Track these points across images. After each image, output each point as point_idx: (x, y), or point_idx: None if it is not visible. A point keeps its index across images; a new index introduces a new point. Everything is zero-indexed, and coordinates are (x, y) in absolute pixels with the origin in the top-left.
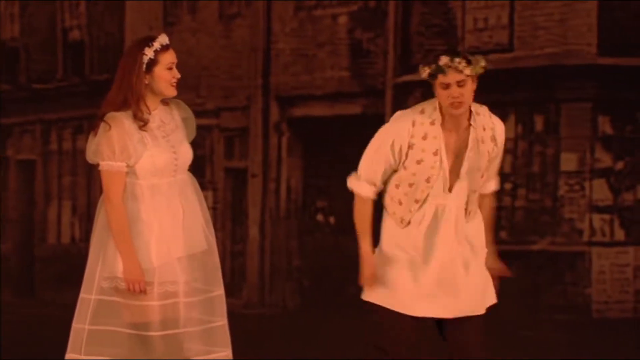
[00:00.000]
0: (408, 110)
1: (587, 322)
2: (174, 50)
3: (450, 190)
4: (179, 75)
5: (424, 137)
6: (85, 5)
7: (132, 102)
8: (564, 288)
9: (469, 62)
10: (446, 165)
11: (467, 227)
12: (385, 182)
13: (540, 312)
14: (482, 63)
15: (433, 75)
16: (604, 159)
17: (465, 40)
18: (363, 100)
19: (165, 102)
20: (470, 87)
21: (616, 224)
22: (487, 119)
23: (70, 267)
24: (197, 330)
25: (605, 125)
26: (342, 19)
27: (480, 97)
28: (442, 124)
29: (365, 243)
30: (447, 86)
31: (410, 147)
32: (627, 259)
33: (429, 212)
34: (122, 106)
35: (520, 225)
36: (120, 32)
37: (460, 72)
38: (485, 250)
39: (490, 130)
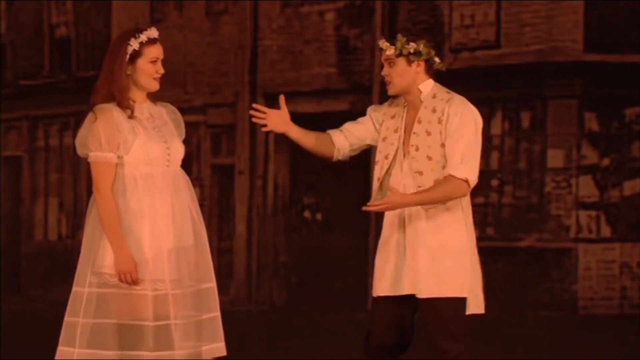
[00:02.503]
0: None
1: (573, 318)
2: (161, 46)
3: (402, 168)
4: (162, 71)
5: (393, 117)
6: (72, 2)
7: (115, 91)
8: (550, 284)
9: (391, 43)
10: (400, 142)
11: (422, 212)
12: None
13: (526, 308)
14: (412, 48)
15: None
16: (591, 156)
17: (452, 37)
18: (350, 96)
19: (152, 101)
20: (401, 67)
21: (602, 220)
22: (442, 103)
23: (57, 264)
24: (189, 323)
25: (591, 122)
26: (329, 16)
27: (467, 93)
28: (405, 105)
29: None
30: (383, 65)
31: (381, 123)
32: (614, 255)
33: (385, 192)
34: (107, 96)
35: (506, 221)
36: (106, 29)
37: (384, 51)
38: (457, 244)
39: (440, 112)
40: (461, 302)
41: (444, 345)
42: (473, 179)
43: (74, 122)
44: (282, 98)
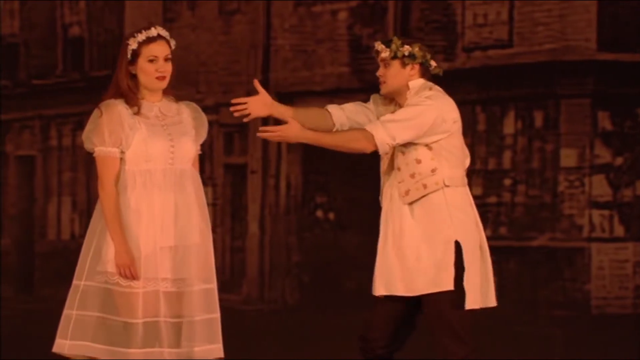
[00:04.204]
0: None
1: (586, 318)
2: (166, 45)
3: (394, 166)
4: (163, 69)
5: (392, 113)
6: (85, 2)
7: (122, 90)
8: (563, 284)
9: (387, 45)
10: None
11: (405, 208)
12: None
13: (539, 307)
14: (406, 50)
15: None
16: (604, 155)
17: (465, 36)
18: (362, 96)
19: (174, 100)
20: (395, 69)
21: (615, 219)
22: (414, 98)
23: (70, 263)
24: (188, 322)
25: (604, 121)
26: (342, 15)
27: (480, 92)
28: (396, 102)
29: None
30: (379, 66)
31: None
32: (627, 254)
33: (384, 188)
34: (115, 95)
35: (519, 221)
36: (119, 28)
37: (379, 53)
38: (441, 238)
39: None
40: (454, 295)
41: (449, 346)
42: (380, 138)
43: (87, 121)
44: (256, 82)
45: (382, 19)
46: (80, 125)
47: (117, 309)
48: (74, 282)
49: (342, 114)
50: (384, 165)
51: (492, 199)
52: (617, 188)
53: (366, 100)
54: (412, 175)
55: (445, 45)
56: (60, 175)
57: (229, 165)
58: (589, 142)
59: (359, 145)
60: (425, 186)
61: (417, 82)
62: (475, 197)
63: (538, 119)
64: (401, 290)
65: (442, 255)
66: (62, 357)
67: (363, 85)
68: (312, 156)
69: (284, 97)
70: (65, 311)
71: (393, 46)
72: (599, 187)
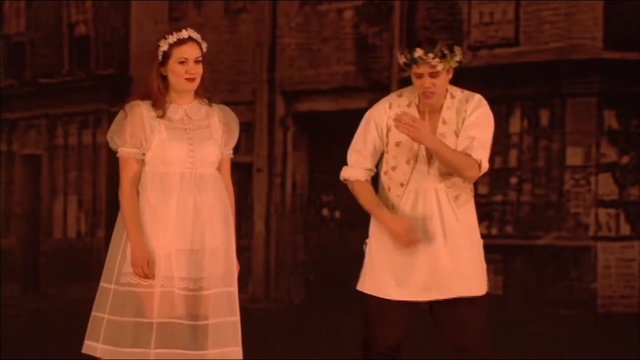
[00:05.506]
0: (389, 95)
1: (592, 317)
2: (197, 47)
3: (428, 172)
4: (194, 71)
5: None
6: (91, 1)
7: (151, 92)
8: (569, 283)
9: (442, 57)
10: (420, 146)
11: (455, 211)
12: (378, 171)
13: (545, 307)
14: (457, 57)
15: (408, 65)
16: (610, 154)
17: (471, 35)
18: (368, 94)
19: (206, 102)
20: (444, 77)
21: (622, 218)
22: (463, 103)
23: (76, 262)
24: (201, 325)
25: (611, 120)
26: (348, 14)
27: (486, 91)
28: (418, 106)
29: (381, 213)
30: (420, 76)
31: (389, 129)
32: (633, 253)
33: (412, 196)
34: (144, 96)
35: (525, 220)
36: (125, 27)
37: (433, 66)
38: (479, 241)
39: (463, 112)
40: (486, 296)
41: (482, 346)
42: (485, 165)
43: (93, 120)
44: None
45: (387, 18)
46: (86, 124)
47: (139, 310)
48: (103, 284)
49: (362, 171)
50: (405, 174)
51: (498, 198)
52: (623, 187)
53: (372, 99)
54: (464, 180)
55: (451, 44)
56: (66, 174)
57: (234, 164)
58: (595, 141)
59: (470, 172)
60: (472, 189)
61: (450, 86)
62: (481, 196)
63: (544, 117)
64: (455, 291)
65: (482, 257)
66: (67, 357)
67: (369, 83)
68: (318, 155)
69: (289, 95)
70: (95, 313)
71: (449, 58)
72: (605, 185)
